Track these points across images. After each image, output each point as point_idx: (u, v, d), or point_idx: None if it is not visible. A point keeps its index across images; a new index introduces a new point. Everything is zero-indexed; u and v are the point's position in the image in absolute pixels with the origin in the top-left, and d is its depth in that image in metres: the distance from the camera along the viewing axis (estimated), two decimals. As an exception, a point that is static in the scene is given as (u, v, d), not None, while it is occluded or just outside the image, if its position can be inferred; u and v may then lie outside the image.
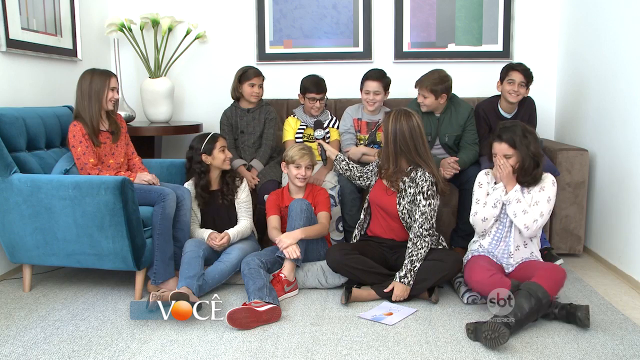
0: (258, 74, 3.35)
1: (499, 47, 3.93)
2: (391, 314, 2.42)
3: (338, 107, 3.71)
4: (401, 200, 2.65)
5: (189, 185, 2.95)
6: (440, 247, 2.72)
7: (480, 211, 2.60)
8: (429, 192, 2.58)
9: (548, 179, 2.57)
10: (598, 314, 2.42)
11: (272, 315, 2.34)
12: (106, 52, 4.00)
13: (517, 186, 2.55)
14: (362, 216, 2.85)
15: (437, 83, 3.11)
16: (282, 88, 3.90)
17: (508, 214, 2.55)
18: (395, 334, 2.24)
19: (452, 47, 3.95)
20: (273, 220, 2.86)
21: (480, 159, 3.30)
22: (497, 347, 2.05)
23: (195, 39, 3.92)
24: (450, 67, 3.64)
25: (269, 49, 4.03)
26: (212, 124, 3.80)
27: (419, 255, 2.55)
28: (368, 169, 2.90)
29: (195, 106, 4.14)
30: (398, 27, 3.96)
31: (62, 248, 2.58)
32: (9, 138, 2.60)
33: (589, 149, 3.28)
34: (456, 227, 3.24)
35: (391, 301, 2.55)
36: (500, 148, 2.55)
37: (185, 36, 3.87)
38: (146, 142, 3.71)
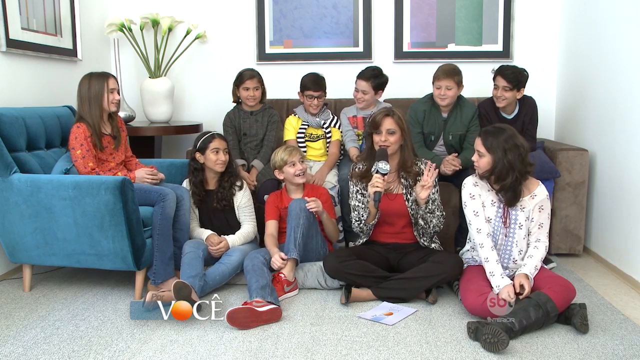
0: (252, 77, 3.33)
1: (499, 47, 3.93)
2: (391, 314, 2.42)
3: (338, 107, 3.70)
4: (408, 196, 2.67)
5: (186, 183, 2.95)
6: (438, 248, 2.72)
7: (482, 225, 2.46)
8: (436, 179, 2.65)
9: (542, 194, 2.44)
10: (598, 314, 2.41)
11: (272, 315, 2.34)
12: (106, 52, 4.00)
13: (528, 275, 2.36)
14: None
15: (459, 73, 3.16)
16: (282, 88, 3.89)
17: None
18: (395, 334, 2.24)
19: (452, 47, 3.95)
20: (270, 226, 2.85)
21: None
22: (496, 352, 2.05)
23: (195, 39, 3.92)
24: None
25: (269, 49, 4.02)
26: (212, 124, 3.80)
27: (432, 223, 2.64)
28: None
29: (195, 106, 4.14)
30: (398, 27, 3.96)
31: (62, 248, 2.58)
32: (9, 138, 2.60)
33: (589, 149, 3.28)
34: (459, 227, 3.23)
35: (389, 301, 2.55)
36: (475, 143, 2.46)
37: (185, 36, 3.87)
38: (146, 142, 3.71)
